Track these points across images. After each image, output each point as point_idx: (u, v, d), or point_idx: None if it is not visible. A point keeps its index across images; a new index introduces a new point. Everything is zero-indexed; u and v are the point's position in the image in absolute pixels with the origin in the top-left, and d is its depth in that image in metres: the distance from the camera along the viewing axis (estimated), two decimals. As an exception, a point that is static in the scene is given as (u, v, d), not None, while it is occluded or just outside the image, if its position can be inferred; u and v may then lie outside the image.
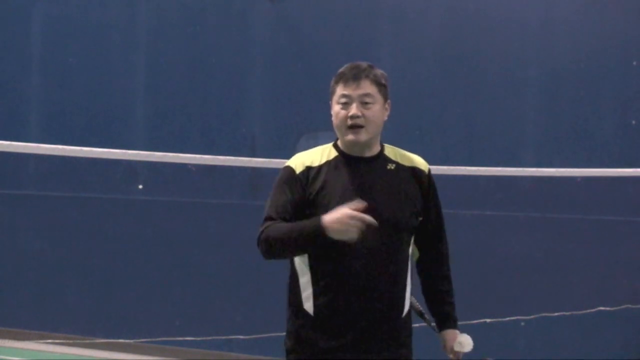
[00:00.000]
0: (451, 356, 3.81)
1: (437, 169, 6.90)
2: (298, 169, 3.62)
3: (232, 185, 8.28)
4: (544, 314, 7.33)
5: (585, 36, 7.55)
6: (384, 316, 3.58)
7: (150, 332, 8.17)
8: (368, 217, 3.36)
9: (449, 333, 3.80)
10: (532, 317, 7.36)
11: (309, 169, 3.62)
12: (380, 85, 3.63)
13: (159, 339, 8.06)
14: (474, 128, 7.77)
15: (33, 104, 9.01)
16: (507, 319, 7.34)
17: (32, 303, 8.92)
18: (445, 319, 3.81)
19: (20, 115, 9.04)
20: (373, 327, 3.57)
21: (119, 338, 8.24)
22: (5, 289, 8.94)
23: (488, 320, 7.22)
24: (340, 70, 3.66)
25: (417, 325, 3.85)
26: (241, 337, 7.74)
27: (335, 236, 3.40)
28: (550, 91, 7.63)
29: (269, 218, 3.57)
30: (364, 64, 3.65)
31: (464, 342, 3.77)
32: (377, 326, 3.57)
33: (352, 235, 3.39)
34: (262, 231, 3.55)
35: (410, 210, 3.63)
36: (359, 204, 3.39)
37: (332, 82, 3.67)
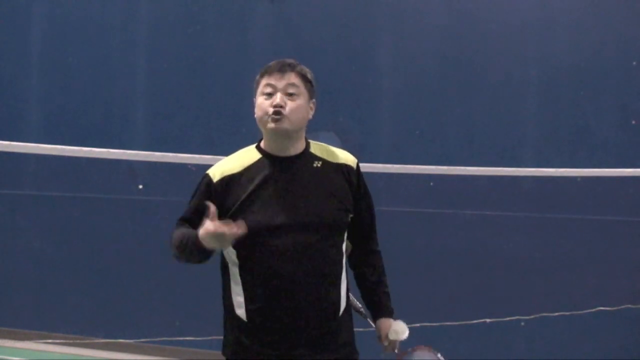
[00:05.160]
0: (385, 344, 3.66)
1: (437, 169, 6.89)
2: (215, 177, 3.53)
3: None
4: (544, 314, 7.32)
5: (585, 36, 7.54)
6: (320, 318, 3.44)
7: (150, 332, 8.17)
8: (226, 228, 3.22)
9: (383, 322, 3.67)
10: (532, 317, 7.36)
11: (228, 177, 3.51)
12: (306, 80, 3.52)
13: (159, 339, 8.06)
14: (473, 128, 7.77)
15: (33, 104, 9.00)
16: (507, 319, 7.33)
17: (32, 303, 8.91)
18: (379, 308, 3.68)
19: (20, 115, 9.03)
20: (309, 330, 3.43)
21: (119, 338, 8.24)
22: (5, 289, 8.94)
23: (488, 320, 7.22)
24: (266, 65, 3.55)
25: (366, 329, 3.79)
26: (241, 337, 7.72)
27: (211, 247, 3.31)
28: (550, 91, 7.62)
29: (177, 223, 3.57)
30: (290, 60, 3.54)
31: (399, 329, 3.61)
32: (313, 328, 3.44)
33: (225, 244, 3.28)
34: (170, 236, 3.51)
35: (339, 207, 3.51)
36: (211, 207, 3.25)
37: (257, 77, 3.54)
